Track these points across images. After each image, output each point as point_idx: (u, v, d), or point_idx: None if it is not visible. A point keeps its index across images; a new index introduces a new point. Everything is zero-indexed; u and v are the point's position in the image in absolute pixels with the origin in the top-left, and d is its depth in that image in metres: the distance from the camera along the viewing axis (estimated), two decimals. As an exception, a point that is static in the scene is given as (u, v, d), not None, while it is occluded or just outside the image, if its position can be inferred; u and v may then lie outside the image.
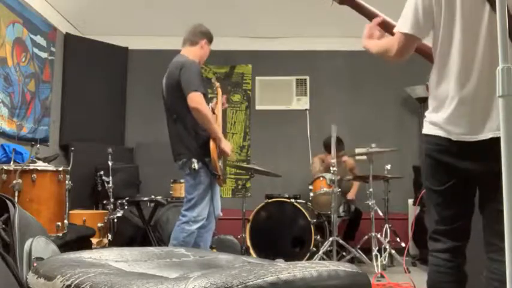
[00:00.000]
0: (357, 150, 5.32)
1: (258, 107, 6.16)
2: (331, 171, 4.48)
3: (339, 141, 5.22)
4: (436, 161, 1.85)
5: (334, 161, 4.56)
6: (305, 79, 6.14)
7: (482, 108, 1.75)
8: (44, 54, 5.01)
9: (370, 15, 2.08)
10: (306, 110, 6.05)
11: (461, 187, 1.83)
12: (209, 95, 3.54)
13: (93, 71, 5.64)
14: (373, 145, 4.60)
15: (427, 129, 1.88)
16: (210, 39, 3.56)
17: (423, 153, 1.90)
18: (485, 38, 1.76)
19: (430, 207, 1.90)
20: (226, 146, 3.36)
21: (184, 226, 3.24)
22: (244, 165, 5.14)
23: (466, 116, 1.77)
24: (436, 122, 1.84)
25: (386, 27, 2.04)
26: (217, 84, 3.75)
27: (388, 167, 4.81)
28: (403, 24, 1.86)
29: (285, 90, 6.14)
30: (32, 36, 4.77)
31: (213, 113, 3.50)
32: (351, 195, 5.16)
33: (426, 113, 1.91)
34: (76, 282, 1.06)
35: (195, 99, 3.17)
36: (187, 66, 3.26)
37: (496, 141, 1.71)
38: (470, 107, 1.77)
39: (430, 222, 1.90)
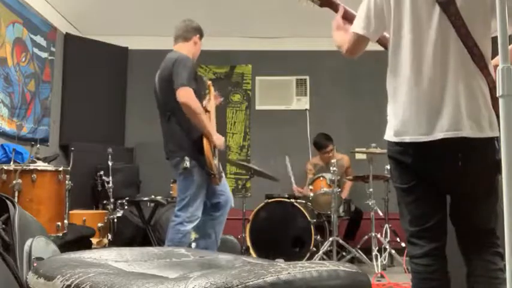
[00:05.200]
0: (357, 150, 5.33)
1: (258, 107, 6.16)
2: (331, 171, 4.48)
3: (327, 137, 5.26)
4: (398, 162, 1.87)
5: (334, 160, 4.57)
6: (305, 79, 6.15)
7: (433, 109, 1.75)
8: (44, 54, 5.01)
9: (351, 18, 2.08)
10: (306, 110, 6.04)
11: (425, 186, 1.83)
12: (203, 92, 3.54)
13: (93, 71, 5.64)
14: (373, 145, 4.60)
15: (386, 135, 1.90)
16: (202, 35, 3.54)
17: (387, 155, 1.92)
18: (436, 38, 1.76)
19: (402, 208, 1.91)
20: (218, 139, 3.33)
21: (178, 227, 3.20)
22: (244, 163, 5.14)
23: (417, 116, 1.77)
24: (392, 125, 1.86)
25: (350, 21, 2.07)
26: (209, 82, 3.73)
27: (388, 167, 4.80)
28: (355, 24, 1.91)
29: (285, 90, 6.14)
30: (32, 36, 4.77)
31: (206, 110, 3.48)
32: (343, 195, 5.15)
33: (388, 117, 1.93)
34: (76, 282, 1.06)
35: (184, 93, 3.13)
36: (180, 61, 3.23)
37: (446, 142, 1.72)
38: (420, 108, 1.77)
39: (405, 224, 1.90)
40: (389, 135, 1.88)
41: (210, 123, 3.33)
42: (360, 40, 1.91)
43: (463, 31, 1.72)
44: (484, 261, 1.71)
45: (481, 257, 1.73)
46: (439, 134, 1.73)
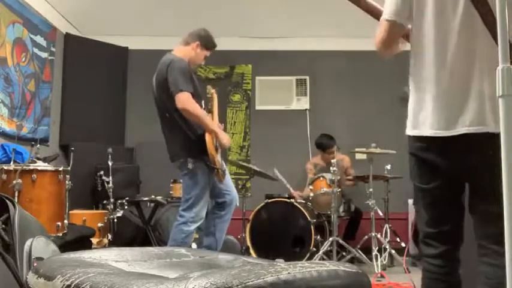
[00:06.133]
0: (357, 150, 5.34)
1: (258, 107, 6.16)
2: (331, 171, 4.48)
3: (330, 138, 5.26)
4: (420, 160, 1.81)
5: (334, 160, 4.56)
6: (305, 79, 6.14)
7: (456, 103, 1.69)
8: (44, 54, 5.01)
9: (366, 7, 1.96)
10: (306, 110, 6.05)
11: (447, 186, 1.78)
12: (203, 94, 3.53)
13: (93, 71, 5.64)
14: (373, 145, 4.60)
15: (407, 129, 1.84)
16: (206, 45, 3.48)
17: (408, 152, 1.86)
18: (460, 28, 1.68)
19: (419, 207, 1.86)
20: (224, 138, 3.34)
21: (182, 227, 3.23)
22: (245, 164, 5.14)
23: (439, 110, 1.72)
24: (414, 119, 1.80)
25: (372, 12, 1.95)
26: (213, 90, 3.72)
27: (388, 167, 4.80)
28: (384, 12, 1.82)
29: (285, 90, 6.14)
30: (32, 36, 4.77)
31: (209, 111, 3.47)
32: (347, 184, 5.17)
33: (408, 110, 1.85)
34: (76, 282, 1.06)
35: (182, 99, 3.14)
36: (174, 64, 3.23)
37: (469, 137, 1.66)
38: (444, 102, 1.71)
39: (421, 224, 1.86)
40: (410, 130, 1.81)
41: (213, 123, 3.34)
42: (393, 27, 1.79)
43: (490, 19, 1.61)
44: (498, 266, 1.68)
45: (495, 262, 1.69)
46: (461, 129, 1.67)
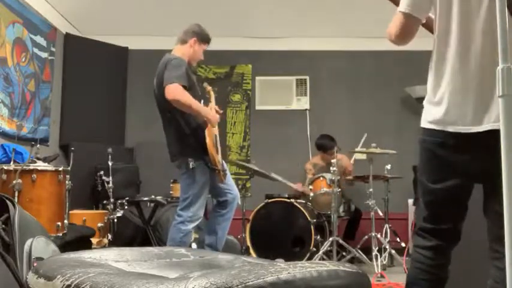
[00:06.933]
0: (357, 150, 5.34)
1: (258, 107, 6.16)
2: (331, 171, 4.48)
3: (331, 139, 5.26)
4: (433, 156, 1.76)
5: (334, 161, 4.56)
6: (305, 79, 6.14)
7: (482, 98, 1.65)
8: (44, 54, 5.01)
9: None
10: (306, 110, 6.05)
11: (458, 187, 1.74)
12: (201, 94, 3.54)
13: (93, 71, 5.64)
14: (373, 145, 4.60)
15: (424, 122, 1.79)
16: (202, 39, 3.49)
17: (419, 145, 1.81)
18: (486, 20, 1.64)
19: (421, 202, 1.82)
20: (212, 116, 3.31)
21: (180, 226, 3.23)
22: (245, 164, 5.14)
23: (463, 105, 1.67)
24: (432, 113, 1.75)
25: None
26: (209, 87, 3.72)
27: (388, 167, 4.80)
28: (402, 3, 1.78)
29: (285, 90, 6.14)
30: (32, 36, 4.77)
31: None
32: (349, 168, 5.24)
33: (424, 103, 1.80)
34: (76, 282, 1.06)
35: (170, 90, 3.11)
36: (171, 63, 3.23)
37: (493, 133, 1.59)
38: (468, 96, 1.67)
39: (419, 217, 1.83)
40: (427, 123, 1.76)
41: (205, 109, 3.31)
42: (408, 20, 1.75)
43: None
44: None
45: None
46: (486, 125, 1.63)
